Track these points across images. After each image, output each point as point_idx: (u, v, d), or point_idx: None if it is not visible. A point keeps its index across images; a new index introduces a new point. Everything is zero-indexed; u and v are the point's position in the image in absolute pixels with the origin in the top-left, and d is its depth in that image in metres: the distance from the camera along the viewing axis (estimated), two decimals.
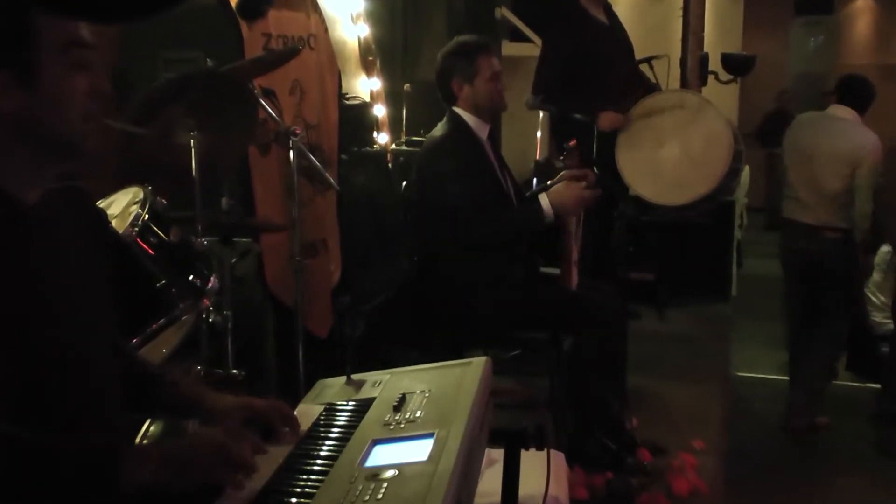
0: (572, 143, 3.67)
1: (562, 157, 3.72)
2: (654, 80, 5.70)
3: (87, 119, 1.59)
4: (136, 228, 2.50)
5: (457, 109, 3.76)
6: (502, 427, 1.77)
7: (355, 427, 1.71)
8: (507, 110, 3.88)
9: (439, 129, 3.76)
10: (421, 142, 5.10)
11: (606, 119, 4.48)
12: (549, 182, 3.78)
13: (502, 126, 5.10)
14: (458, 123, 3.74)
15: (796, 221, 5.10)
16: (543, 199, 3.55)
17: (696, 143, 4.35)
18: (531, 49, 7.25)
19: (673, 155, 4.38)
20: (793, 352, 5.25)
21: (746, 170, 7.79)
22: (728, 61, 7.47)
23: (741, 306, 6.98)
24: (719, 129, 4.34)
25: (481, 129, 3.76)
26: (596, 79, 4.77)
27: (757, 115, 11.96)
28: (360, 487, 1.42)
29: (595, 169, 3.79)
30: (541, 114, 6.20)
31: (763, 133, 11.82)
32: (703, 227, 6.40)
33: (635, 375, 4.42)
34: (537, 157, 6.02)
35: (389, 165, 5.50)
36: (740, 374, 5.88)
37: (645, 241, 5.90)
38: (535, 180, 5.66)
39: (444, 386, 1.80)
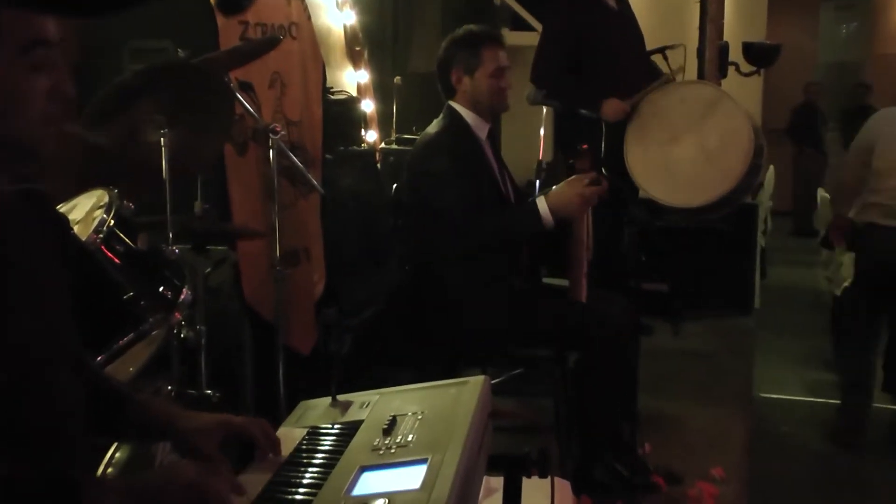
0: (584, 145, 3.67)
1: (571, 161, 3.73)
2: (668, 72, 5.72)
3: (47, 122, 1.59)
4: (101, 235, 2.50)
5: (454, 105, 3.78)
6: (502, 453, 1.78)
7: (341, 452, 1.72)
8: (508, 111, 3.90)
9: (434, 126, 3.78)
10: (413, 140, 5.13)
11: (610, 108, 4.49)
12: (554, 187, 3.80)
13: (502, 123, 5.13)
14: (455, 120, 3.76)
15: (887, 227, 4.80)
16: (541, 201, 3.55)
17: (712, 139, 4.36)
18: (534, 38, 7.27)
19: (687, 152, 4.39)
20: (853, 374, 5.14)
21: (771, 170, 7.83)
22: (750, 51, 7.46)
23: (765, 320, 7.00)
24: (738, 123, 4.35)
25: (480, 128, 3.79)
26: (602, 70, 4.79)
27: (782, 110, 12.00)
28: None
29: (604, 170, 3.81)
30: (543, 110, 6.22)
31: (794, 129, 11.88)
32: (722, 233, 6.43)
33: (648, 396, 4.43)
34: (540, 158, 6.04)
35: (378, 166, 5.52)
36: (764, 394, 5.88)
37: (658, 248, 5.92)
38: (537, 183, 5.68)
39: (439, 407, 1.81)
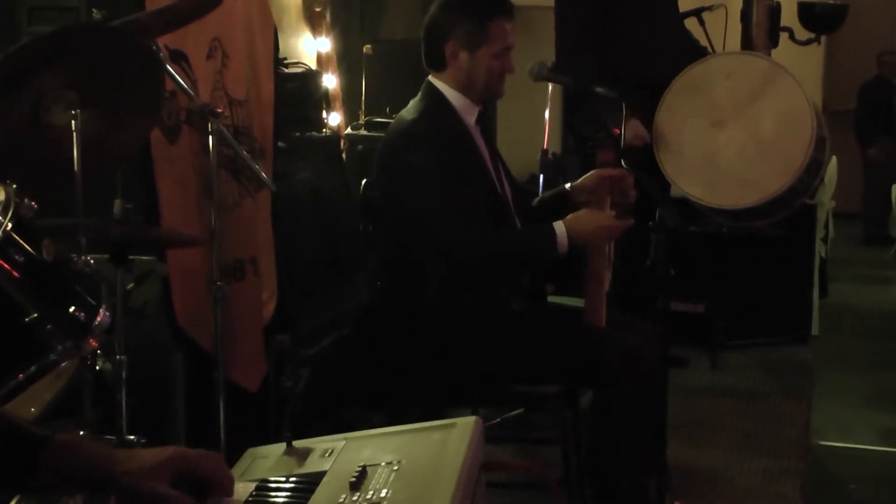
0: (607, 134, 3.70)
1: (591, 151, 3.76)
2: (705, 41, 5.77)
3: None
4: None
5: (436, 82, 3.80)
6: None
7: None
8: (502, 97, 3.93)
9: (411, 109, 3.80)
10: (386, 124, 5.15)
11: (628, 131, 4.52)
12: (567, 185, 3.82)
13: (497, 104, 5.14)
14: (436, 101, 3.78)
15: None
16: (559, 227, 3.59)
17: (766, 124, 4.38)
18: None
19: (734, 141, 4.41)
20: None
21: (833, 163, 7.86)
22: (809, 13, 7.50)
23: (826, 350, 7.02)
24: (798, 105, 4.37)
25: (468, 112, 3.82)
26: (624, 38, 4.84)
27: (849, 87, 12.04)
28: None
29: (623, 163, 3.84)
30: (549, 87, 6.25)
31: (863, 112, 11.90)
32: (772, 241, 6.46)
33: (680, 444, 4.46)
34: (544, 147, 6.06)
35: (343, 156, 5.55)
36: (825, 443, 5.90)
37: (693, 260, 5.94)
38: (541, 178, 5.71)
39: (420, 456, 1.83)
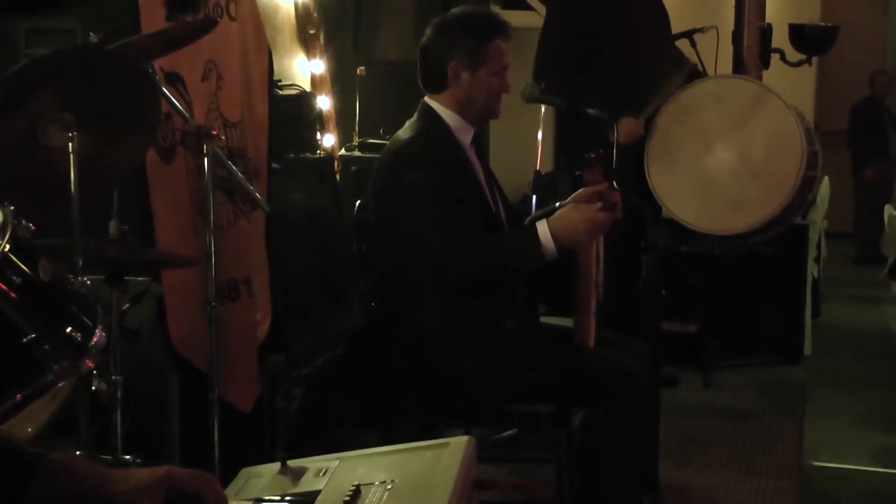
0: (594, 154, 3.72)
1: (578, 172, 3.78)
2: (697, 62, 5.81)
3: None
4: None
5: (432, 103, 3.83)
6: None
7: None
8: (498, 117, 3.96)
9: (407, 129, 3.82)
10: (380, 146, 5.17)
11: (623, 130, 4.54)
12: (557, 204, 3.84)
13: (490, 124, 5.16)
14: (433, 122, 3.80)
15: None
16: (542, 226, 3.57)
17: (756, 147, 4.42)
18: (530, 18, 7.35)
19: (725, 163, 4.45)
20: None
21: (826, 182, 7.88)
22: (800, 35, 7.53)
23: (818, 370, 7.02)
24: (787, 126, 4.41)
25: (464, 132, 3.84)
26: (618, 59, 4.87)
27: (841, 108, 12.05)
28: None
29: (615, 184, 3.87)
30: (542, 109, 6.28)
31: (855, 131, 11.92)
32: (765, 261, 6.47)
33: (672, 464, 4.47)
34: (537, 168, 6.08)
35: (337, 177, 5.56)
36: (818, 463, 5.90)
37: (684, 280, 5.96)
38: (534, 198, 5.73)
39: (413, 475, 1.84)
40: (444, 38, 3.80)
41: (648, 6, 5.21)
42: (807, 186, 4.49)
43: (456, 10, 3.85)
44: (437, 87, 3.82)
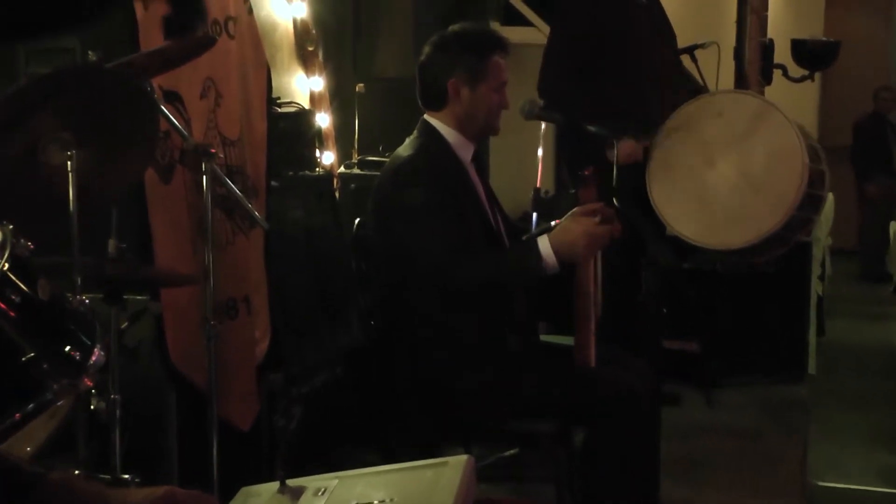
0: (588, 171, 3.74)
1: (573, 190, 3.80)
2: (698, 78, 5.83)
3: None
4: None
5: (432, 120, 3.86)
6: None
7: None
8: (497, 134, 3.98)
9: (407, 147, 3.85)
10: (379, 163, 5.19)
11: (622, 150, 4.57)
12: (553, 223, 3.86)
13: (489, 142, 5.19)
14: (433, 139, 3.83)
15: None
16: (542, 240, 3.58)
17: (757, 161, 4.43)
18: (530, 35, 7.40)
19: (726, 179, 4.46)
20: None
21: (830, 199, 7.89)
22: (802, 50, 7.54)
23: (822, 388, 7.01)
24: (788, 141, 4.41)
25: (464, 149, 3.87)
26: (623, 77, 4.90)
27: (844, 124, 12.06)
28: None
29: (615, 200, 3.89)
30: (542, 126, 6.31)
31: (858, 147, 11.92)
32: (768, 278, 6.47)
33: (673, 483, 4.47)
34: (537, 185, 6.10)
35: (337, 195, 5.58)
36: (822, 483, 5.89)
37: (686, 297, 5.97)
38: (534, 216, 5.75)
39: (412, 494, 1.86)
40: (444, 55, 3.83)
41: (654, 24, 5.25)
42: (811, 205, 4.48)
43: (455, 27, 3.87)
44: (436, 104, 3.85)
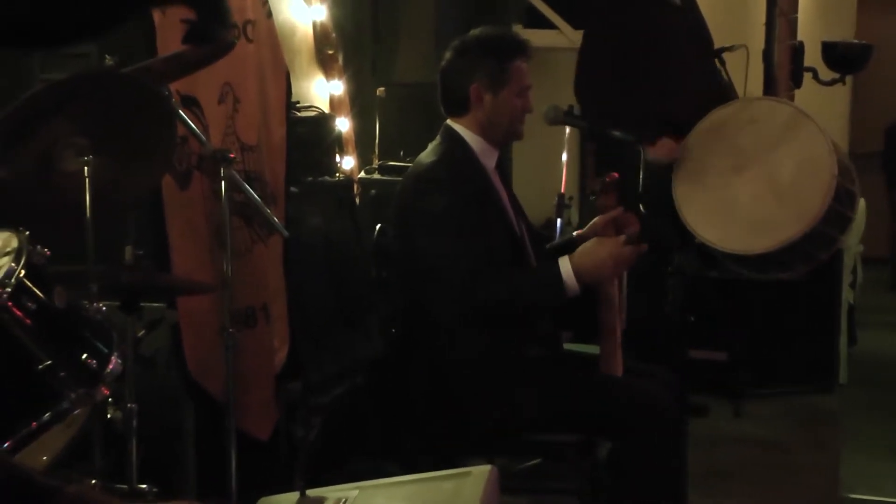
0: (609, 177, 3.75)
1: (593, 196, 3.80)
2: (726, 82, 5.84)
3: None
4: (9, 289, 2.53)
5: (455, 125, 3.86)
6: None
7: None
8: (521, 139, 3.99)
9: (430, 153, 3.85)
10: (401, 169, 5.21)
11: (661, 148, 4.58)
12: (574, 233, 3.86)
13: (513, 147, 5.20)
14: (457, 145, 3.84)
15: None
16: (564, 264, 3.58)
17: (784, 171, 4.43)
18: (553, 38, 7.40)
19: (752, 186, 4.46)
20: None
21: (861, 206, 7.86)
22: (833, 53, 7.52)
23: (853, 399, 6.98)
24: (819, 153, 4.41)
25: (488, 156, 3.88)
26: (654, 81, 4.91)
27: (877, 127, 12.02)
28: None
29: (642, 207, 3.89)
30: (566, 131, 6.32)
31: (891, 153, 11.87)
32: (797, 287, 6.46)
33: (701, 496, 4.47)
34: (561, 191, 6.11)
35: (357, 201, 5.59)
36: (853, 496, 5.87)
37: (713, 306, 5.95)
38: (558, 221, 5.76)
39: None
40: (465, 60, 3.84)
41: (689, 28, 5.26)
42: (837, 223, 4.47)
43: (475, 31, 3.88)
44: (459, 110, 3.86)
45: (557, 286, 3.57)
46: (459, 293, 3.58)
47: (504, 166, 4.08)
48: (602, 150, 4.99)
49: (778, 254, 4.38)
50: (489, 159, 3.88)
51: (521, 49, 3.85)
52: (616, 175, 3.78)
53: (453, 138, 3.85)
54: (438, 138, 3.88)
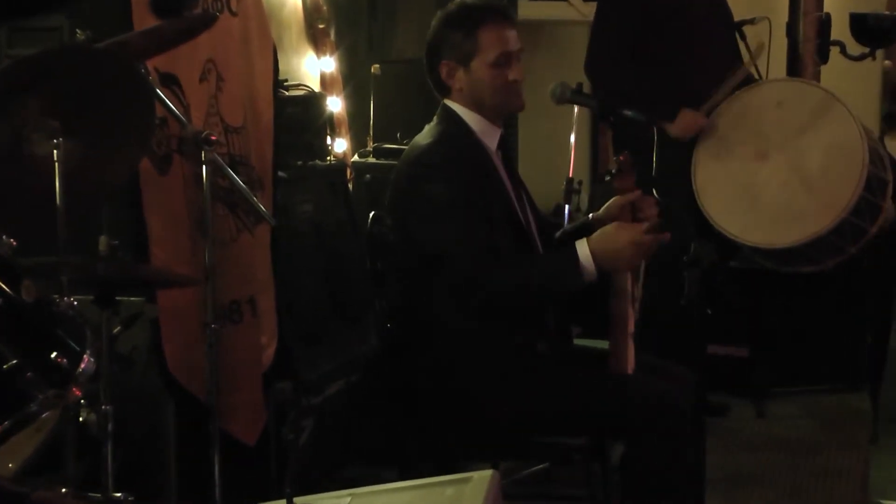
0: (624, 158, 3.73)
1: (608, 177, 3.79)
2: (747, 57, 5.82)
3: None
4: None
5: (452, 105, 3.85)
6: None
7: None
8: (523, 110, 3.97)
9: (427, 134, 3.84)
10: (397, 151, 5.19)
11: (683, 122, 4.56)
12: (590, 216, 3.84)
13: (518, 127, 5.18)
14: (455, 125, 3.82)
15: None
16: (582, 247, 3.56)
17: (812, 159, 4.41)
18: (559, 10, 7.36)
19: (777, 175, 4.44)
20: None
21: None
22: (862, 26, 7.47)
23: (886, 398, 6.97)
24: (851, 140, 4.39)
25: (489, 135, 3.86)
26: (670, 58, 4.90)
27: None
28: None
29: (655, 192, 3.88)
30: (575, 110, 6.31)
31: None
32: (824, 276, 6.44)
33: (720, 502, 4.46)
34: (570, 175, 6.10)
35: (350, 187, 5.58)
36: (885, 501, 5.89)
37: (733, 298, 5.94)
38: (566, 208, 5.74)
39: None
40: (434, 38, 3.83)
41: (709, 3, 5.26)
42: (868, 213, 4.46)
43: (451, 4, 3.86)
44: (443, 91, 3.85)
45: (574, 271, 3.55)
46: (463, 284, 3.58)
47: (508, 148, 4.05)
48: (618, 130, 4.95)
49: (804, 247, 4.36)
50: (491, 140, 3.86)
51: (487, 14, 3.78)
52: (632, 155, 3.75)
53: (451, 118, 3.83)
54: (436, 118, 3.87)
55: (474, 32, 3.75)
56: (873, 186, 4.38)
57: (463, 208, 3.63)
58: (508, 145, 4.07)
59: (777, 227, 4.38)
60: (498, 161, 3.88)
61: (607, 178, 3.79)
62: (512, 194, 3.88)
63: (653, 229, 3.57)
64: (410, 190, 3.73)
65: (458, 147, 3.77)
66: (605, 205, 3.83)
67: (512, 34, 3.81)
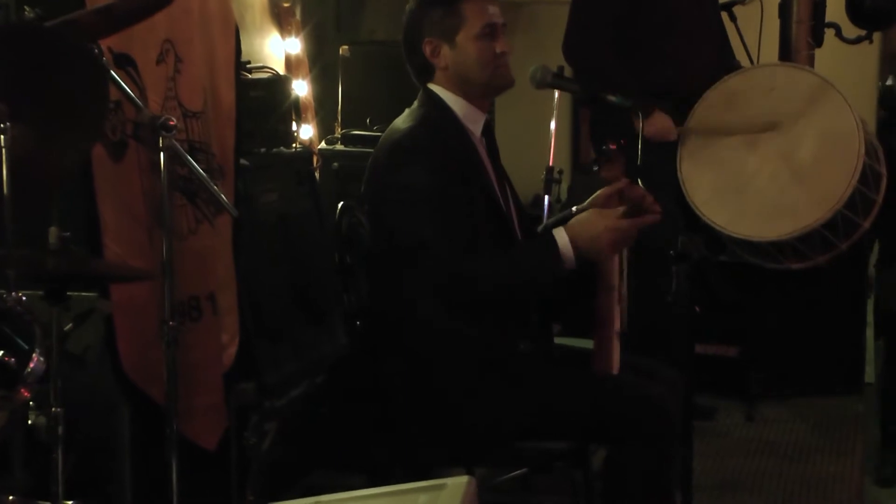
0: (613, 146, 3.73)
1: (595, 167, 3.79)
2: (737, 39, 5.83)
3: None
4: None
5: (434, 87, 3.83)
6: None
7: None
8: (513, 86, 3.95)
9: (406, 118, 3.81)
10: (367, 138, 5.20)
11: (658, 124, 4.57)
12: (573, 208, 3.84)
13: (495, 114, 5.16)
14: (438, 108, 3.80)
15: None
16: (560, 234, 3.56)
17: (805, 149, 4.42)
18: None
19: (767, 165, 4.45)
20: None
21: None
22: (857, 7, 7.52)
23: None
24: (846, 129, 4.40)
25: (474, 120, 3.85)
26: (660, 35, 4.91)
27: None
28: None
29: (640, 182, 3.88)
30: (556, 96, 6.31)
31: None
32: (818, 274, 6.46)
33: None
34: (550, 164, 6.10)
35: (317, 175, 5.57)
36: None
37: (723, 296, 5.96)
38: (546, 199, 5.75)
39: None
40: (413, 16, 3.81)
41: None
42: (862, 207, 4.47)
43: None
44: (426, 74, 3.83)
45: (554, 259, 3.55)
46: (442, 279, 3.56)
47: (492, 136, 4.04)
48: (599, 116, 4.95)
49: (794, 241, 4.37)
50: (475, 125, 3.85)
51: None
52: (621, 142, 3.76)
53: (433, 101, 3.81)
54: (417, 102, 3.85)
55: (456, 5, 3.73)
56: (868, 179, 4.38)
57: (442, 198, 3.61)
58: (493, 134, 4.04)
59: (766, 219, 4.39)
60: (482, 148, 3.87)
61: (595, 167, 3.78)
62: (495, 184, 3.87)
63: (631, 213, 3.57)
64: (387, 175, 3.71)
65: (441, 132, 3.75)
66: (592, 196, 3.82)
67: (494, 7, 3.80)
